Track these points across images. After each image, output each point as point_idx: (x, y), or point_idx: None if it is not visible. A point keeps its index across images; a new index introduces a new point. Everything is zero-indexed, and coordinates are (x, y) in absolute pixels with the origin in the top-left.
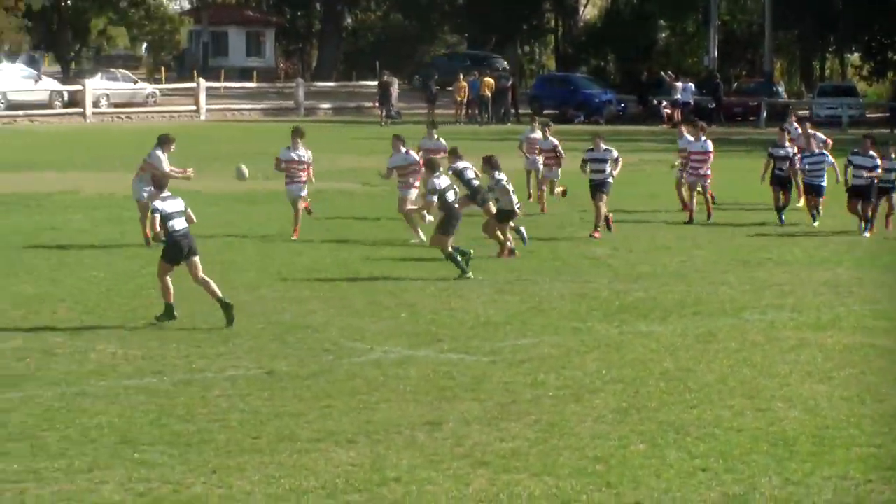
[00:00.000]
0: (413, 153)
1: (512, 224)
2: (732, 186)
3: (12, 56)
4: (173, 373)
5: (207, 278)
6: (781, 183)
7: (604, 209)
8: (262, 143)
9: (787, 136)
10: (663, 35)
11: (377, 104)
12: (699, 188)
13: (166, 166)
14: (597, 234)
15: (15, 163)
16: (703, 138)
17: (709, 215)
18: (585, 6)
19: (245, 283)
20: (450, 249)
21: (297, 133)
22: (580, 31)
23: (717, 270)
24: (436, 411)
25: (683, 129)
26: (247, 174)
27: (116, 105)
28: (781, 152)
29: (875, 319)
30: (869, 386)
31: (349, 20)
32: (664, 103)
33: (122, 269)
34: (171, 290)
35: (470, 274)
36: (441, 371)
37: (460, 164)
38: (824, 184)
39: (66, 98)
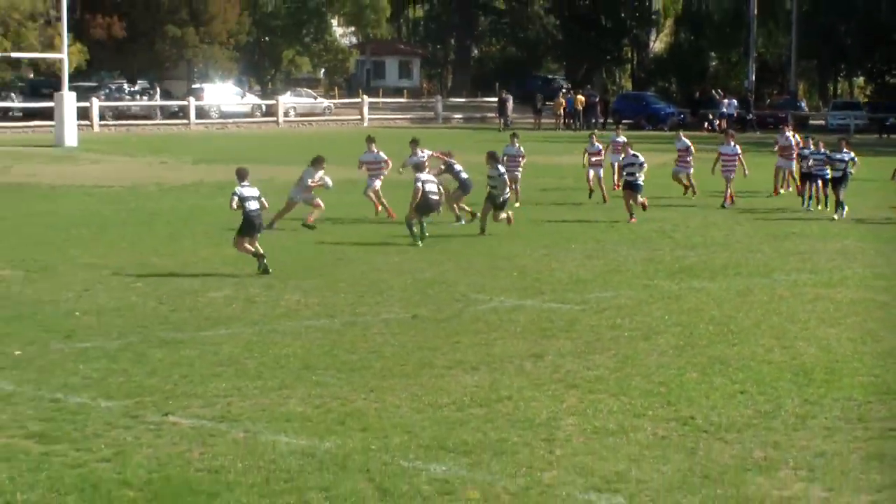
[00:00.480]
0: (427, 152)
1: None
2: (766, 180)
3: (224, 79)
4: (342, 316)
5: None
6: (805, 176)
7: (641, 200)
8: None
9: (810, 141)
10: (713, 63)
11: (497, 115)
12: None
13: (309, 179)
14: (643, 209)
15: (225, 158)
16: (733, 143)
17: (724, 202)
18: (654, 42)
19: (397, 248)
20: (413, 222)
21: (370, 140)
22: (650, 61)
23: (753, 241)
24: (538, 346)
25: (682, 134)
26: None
27: (301, 115)
28: (806, 152)
29: (875, 280)
30: (869, 330)
31: (475, 52)
32: (712, 116)
33: (305, 239)
34: (251, 247)
35: (420, 244)
36: (543, 316)
37: (451, 160)
38: (827, 175)
39: (263, 110)
